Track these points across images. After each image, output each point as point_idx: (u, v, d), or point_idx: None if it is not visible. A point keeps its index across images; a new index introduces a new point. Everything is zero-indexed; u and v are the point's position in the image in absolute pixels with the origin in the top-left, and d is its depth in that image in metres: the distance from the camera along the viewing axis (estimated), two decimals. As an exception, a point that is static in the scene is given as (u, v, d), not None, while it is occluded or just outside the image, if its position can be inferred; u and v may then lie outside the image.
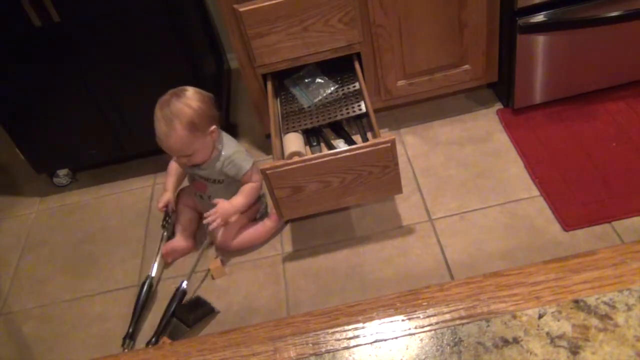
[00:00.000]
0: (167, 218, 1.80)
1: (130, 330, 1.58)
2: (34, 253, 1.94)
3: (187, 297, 1.61)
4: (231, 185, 1.69)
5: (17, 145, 1.99)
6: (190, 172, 1.71)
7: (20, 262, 1.92)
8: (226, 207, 1.63)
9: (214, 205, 1.64)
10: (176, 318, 1.57)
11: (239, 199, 1.66)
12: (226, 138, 1.68)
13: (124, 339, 1.57)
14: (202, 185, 1.71)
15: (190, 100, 1.53)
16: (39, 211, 2.10)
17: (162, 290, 1.70)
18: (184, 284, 1.62)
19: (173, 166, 1.79)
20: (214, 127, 1.58)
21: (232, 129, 2.22)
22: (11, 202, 2.17)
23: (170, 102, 1.52)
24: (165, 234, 1.78)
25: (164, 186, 1.80)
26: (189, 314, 1.57)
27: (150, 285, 1.67)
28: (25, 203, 2.15)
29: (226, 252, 1.75)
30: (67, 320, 1.69)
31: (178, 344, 0.67)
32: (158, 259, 1.74)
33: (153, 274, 1.70)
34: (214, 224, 1.60)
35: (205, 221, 1.63)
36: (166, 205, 1.76)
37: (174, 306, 1.59)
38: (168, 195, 1.76)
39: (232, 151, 1.64)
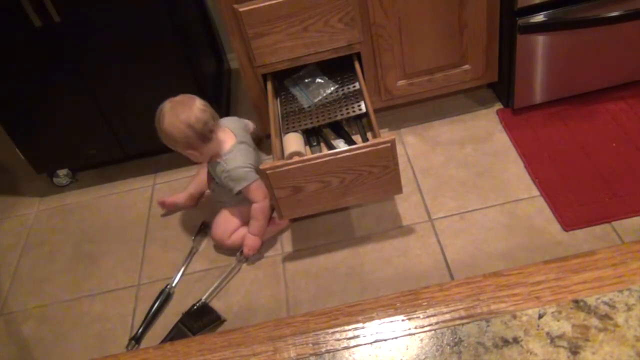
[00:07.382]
0: (201, 232, 1.83)
1: (139, 332, 1.58)
2: (34, 253, 1.94)
3: (195, 304, 1.61)
4: (231, 192, 1.70)
5: (17, 145, 1.99)
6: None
7: (20, 262, 1.92)
8: (251, 240, 1.70)
9: (217, 199, 1.79)
10: (182, 324, 1.57)
11: (254, 225, 1.70)
12: (237, 153, 1.63)
13: (130, 339, 1.57)
14: (210, 179, 1.78)
15: (178, 120, 1.51)
16: (39, 211, 2.10)
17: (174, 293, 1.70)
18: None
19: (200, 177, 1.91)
20: (205, 145, 1.57)
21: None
22: (11, 202, 2.17)
23: (166, 113, 1.53)
24: (194, 248, 1.80)
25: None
26: (194, 321, 1.57)
27: (168, 294, 1.67)
28: (25, 203, 2.15)
29: (221, 249, 1.77)
30: (67, 320, 1.69)
31: (178, 343, 0.67)
32: (182, 270, 1.74)
33: (174, 284, 1.70)
34: (252, 255, 1.73)
35: (244, 254, 1.71)
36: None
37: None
38: None
39: (232, 166, 1.60)
